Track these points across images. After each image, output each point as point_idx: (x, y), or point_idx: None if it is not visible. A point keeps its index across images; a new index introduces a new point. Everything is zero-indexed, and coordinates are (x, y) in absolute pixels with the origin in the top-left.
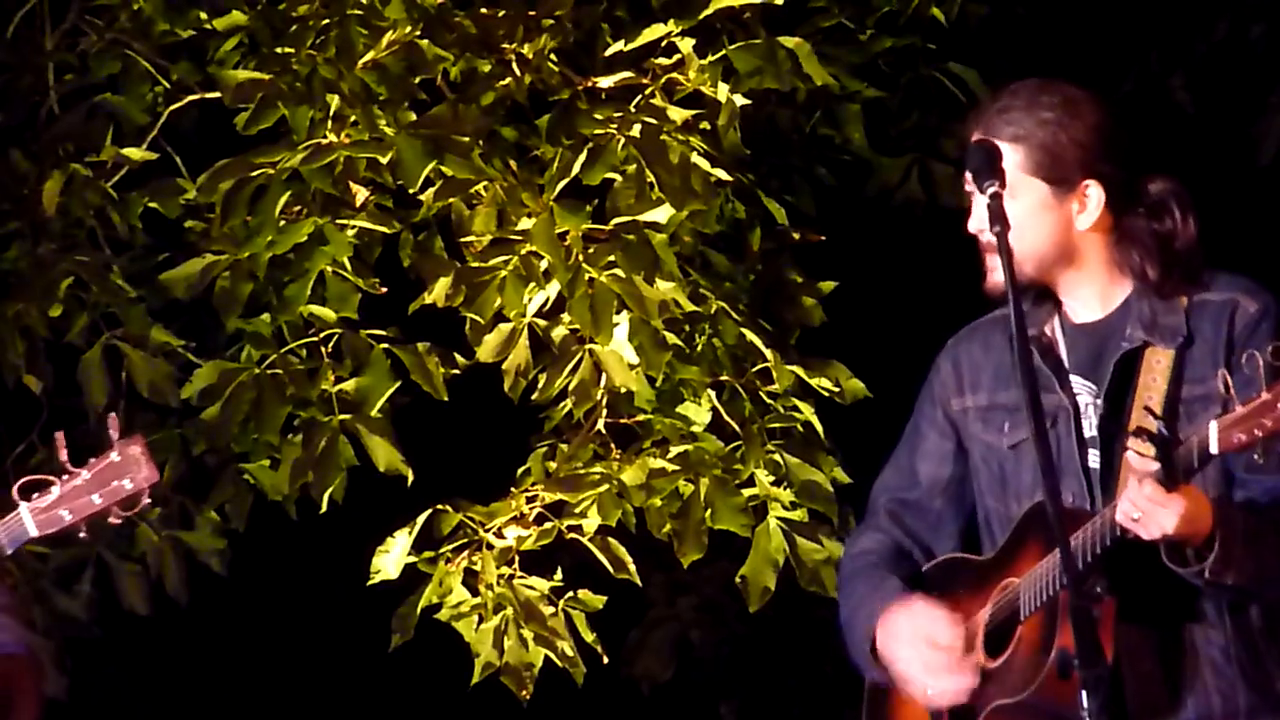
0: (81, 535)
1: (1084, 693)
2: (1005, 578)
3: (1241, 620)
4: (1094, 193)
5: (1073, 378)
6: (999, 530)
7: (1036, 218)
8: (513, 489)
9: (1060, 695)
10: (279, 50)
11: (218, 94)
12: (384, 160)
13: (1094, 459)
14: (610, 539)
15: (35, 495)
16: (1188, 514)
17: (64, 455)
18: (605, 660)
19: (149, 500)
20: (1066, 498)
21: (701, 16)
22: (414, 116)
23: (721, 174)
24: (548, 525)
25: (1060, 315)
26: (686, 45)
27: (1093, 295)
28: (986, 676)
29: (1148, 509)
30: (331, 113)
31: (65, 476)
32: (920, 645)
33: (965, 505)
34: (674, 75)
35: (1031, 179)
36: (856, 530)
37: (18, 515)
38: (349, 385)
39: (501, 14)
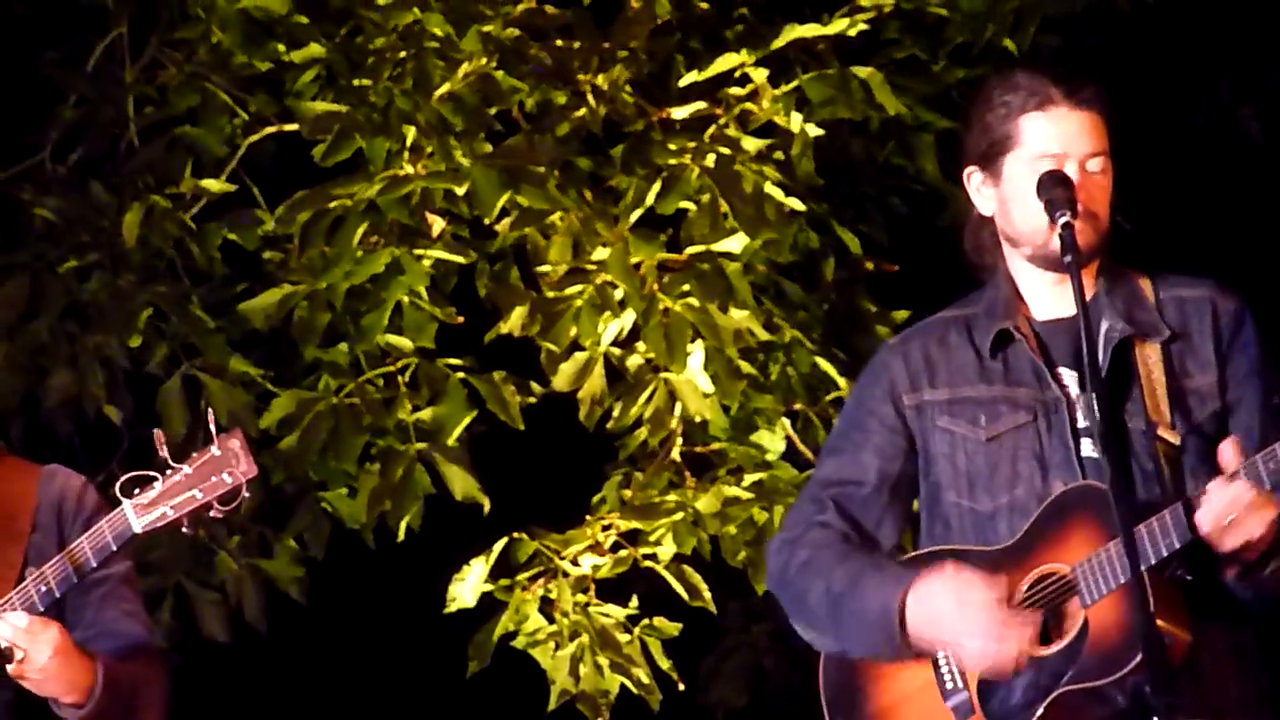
0: (184, 530)
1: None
2: (1035, 565)
3: (1238, 617)
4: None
5: (1060, 370)
6: (963, 524)
7: (1109, 195)
8: (588, 517)
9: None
10: (356, 82)
11: (295, 126)
12: (460, 191)
13: (1088, 449)
14: (685, 566)
15: (137, 492)
16: (1274, 521)
17: (164, 452)
18: (681, 687)
19: (248, 494)
20: (1056, 487)
21: (775, 47)
22: (490, 147)
23: (795, 203)
24: (623, 553)
25: (1024, 311)
26: (760, 75)
27: (1063, 287)
28: (1037, 663)
29: (1243, 515)
30: (408, 144)
31: (167, 472)
32: (967, 609)
33: (908, 502)
34: (748, 105)
35: (1111, 155)
36: (794, 518)
37: (121, 512)
38: (426, 414)
39: (576, 45)
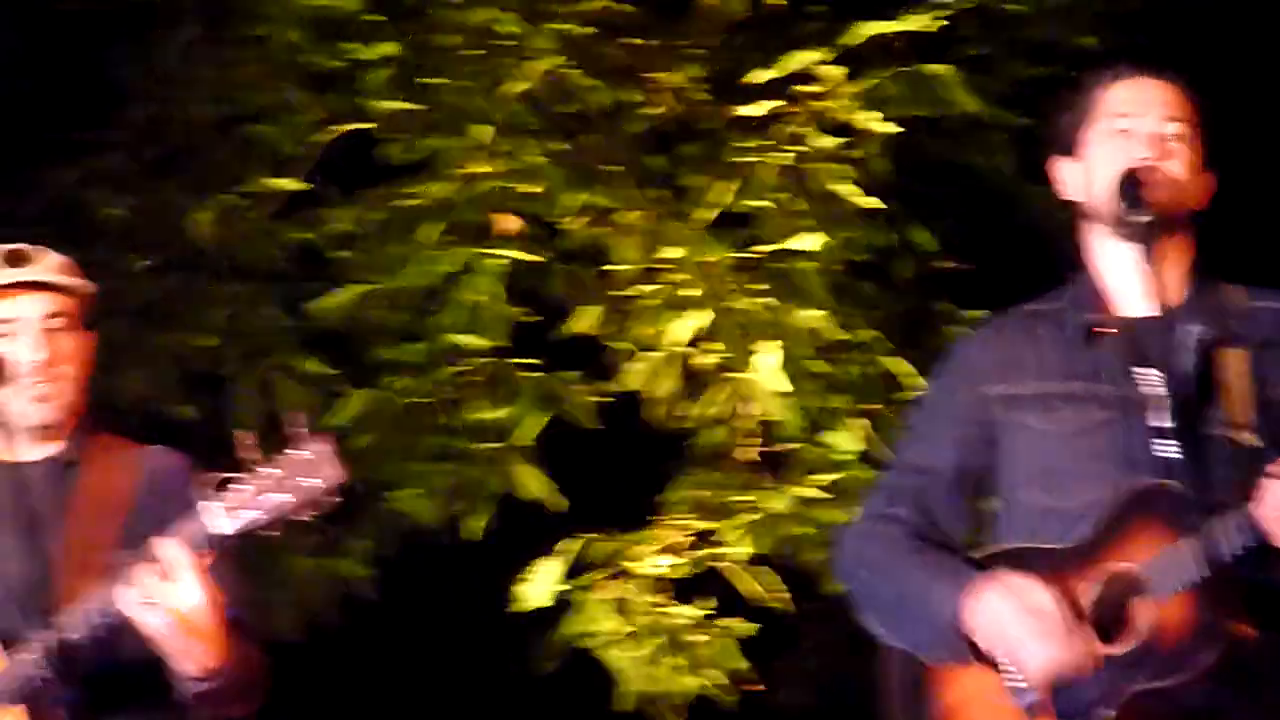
0: (273, 534)
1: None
2: (1105, 563)
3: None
4: (1211, 181)
5: (1144, 369)
6: (1044, 521)
7: (1194, 175)
8: (661, 517)
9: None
10: (429, 81)
11: (368, 124)
12: (533, 190)
13: (1169, 450)
14: (759, 567)
15: (225, 493)
16: None
17: (254, 454)
18: (756, 688)
19: (338, 499)
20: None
21: (849, 44)
22: (563, 146)
23: (870, 202)
24: (697, 553)
25: (1110, 307)
26: (834, 73)
27: (1150, 283)
28: (1107, 663)
29: None
30: (481, 143)
31: (258, 473)
32: (1028, 616)
33: (983, 495)
34: (821, 103)
35: (1197, 138)
36: (867, 508)
37: (209, 512)
38: (498, 414)
39: (649, 43)
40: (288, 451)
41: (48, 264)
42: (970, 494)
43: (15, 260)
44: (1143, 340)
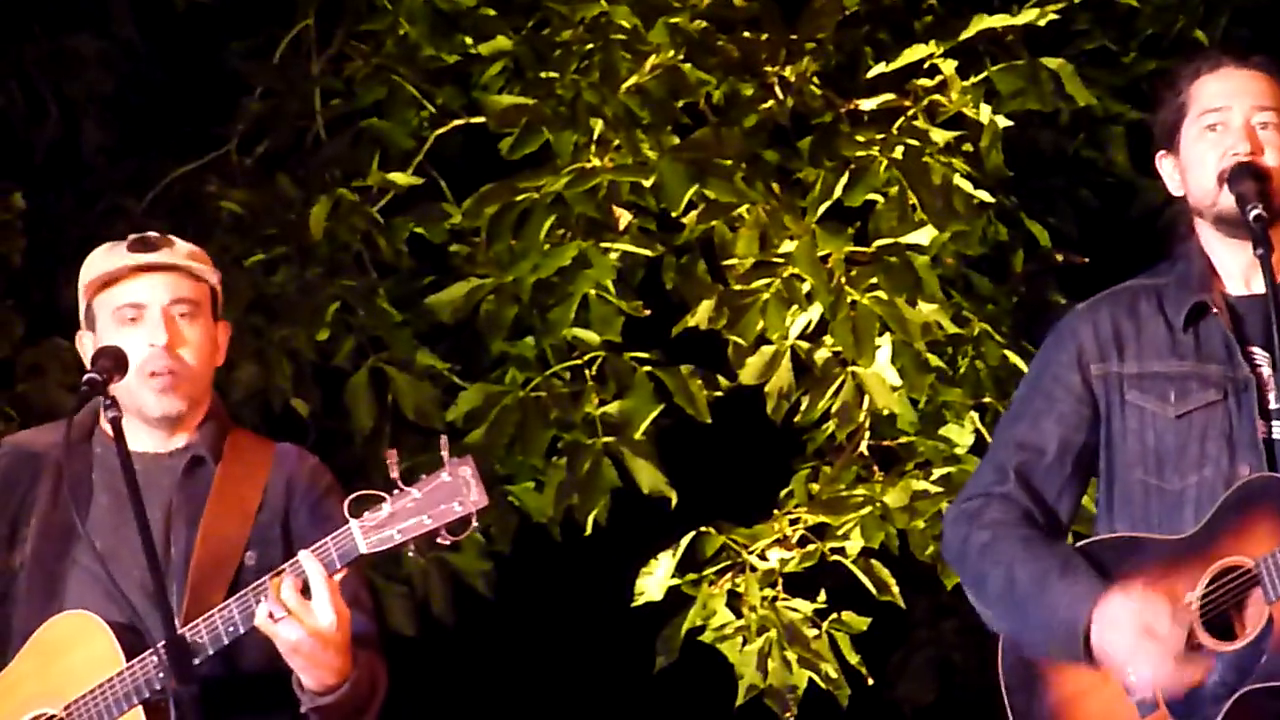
0: (411, 554)
1: None
2: (1217, 556)
3: None
4: None
5: (1252, 349)
6: (1148, 502)
7: None
8: (775, 511)
9: None
10: (543, 75)
11: (482, 119)
12: (647, 184)
13: (1277, 431)
14: (873, 561)
15: (366, 512)
16: None
17: (395, 473)
18: (869, 682)
19: (477, 524)
20: (1243, 470)
21: (963, 38)
22: (677, 140)
23: (984, 196)
24: (811, 547)
25: (1218, 285)
26: (948, 67)
27: (1255, 265)
28: (1220, 659)
29: None
30: (595, 137)
31: (396, 494)
32: (1144, 637)
33: (1088, 475)
34: (936, 97)
35: None
36: (974, 484)
37: (348, 531)
38: (613, 408)
39: (764, 37)
40: (432, 475)
41: (175, 250)
42: (1076, 472)
43: (142, 245)
44: (1249, 320)
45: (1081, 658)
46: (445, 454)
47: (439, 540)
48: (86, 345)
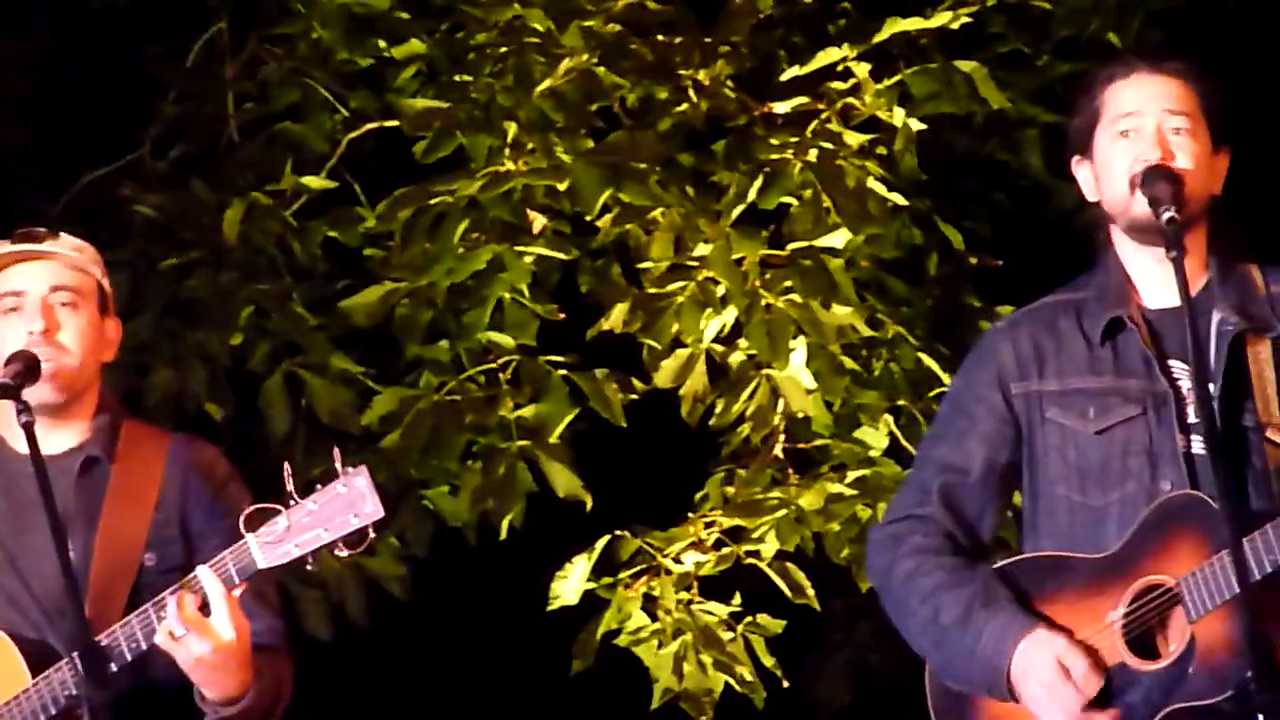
0: (309, 567)
1: (1260, 716)
2: (1139, 575)
3: None
4: (1224, 161)
5: (1171, 362)
6: (1072, 519)
7: (1205, 165)
8: (691, 514)
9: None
10: (457, 78)
11: (396, 122)
12: (561, 187)
13: (1198, 445)
14: (789, 564)
15: (262, 527)
16: None
17: (290, 486)
18: (785, 685)
19: (373, 535)
20: (1164, 485)
21: (877, 41)
22: (591, 143)
23: (898, 199)
24: (726, 550)
25: (1135, 298)
26: (862, 70)
27: (1173, 275)
28: (1143, 678)
29: None
30: (509, 140)
31: (292, 507)
32: (1059, 685)
33: (1010, 493)
34: (850, 100)
35: (1203, 127)
36: (897, 506)
37: (245, 546)
38: (528, 412)
39: (678, 40)
40: (327, 486)
41: (59, 242)
42: (999, 491)
43: (25, 237)
44: (1167, 334)
45: (1006, 696)
46: (339, 465)
47: (336, 553)
48: None
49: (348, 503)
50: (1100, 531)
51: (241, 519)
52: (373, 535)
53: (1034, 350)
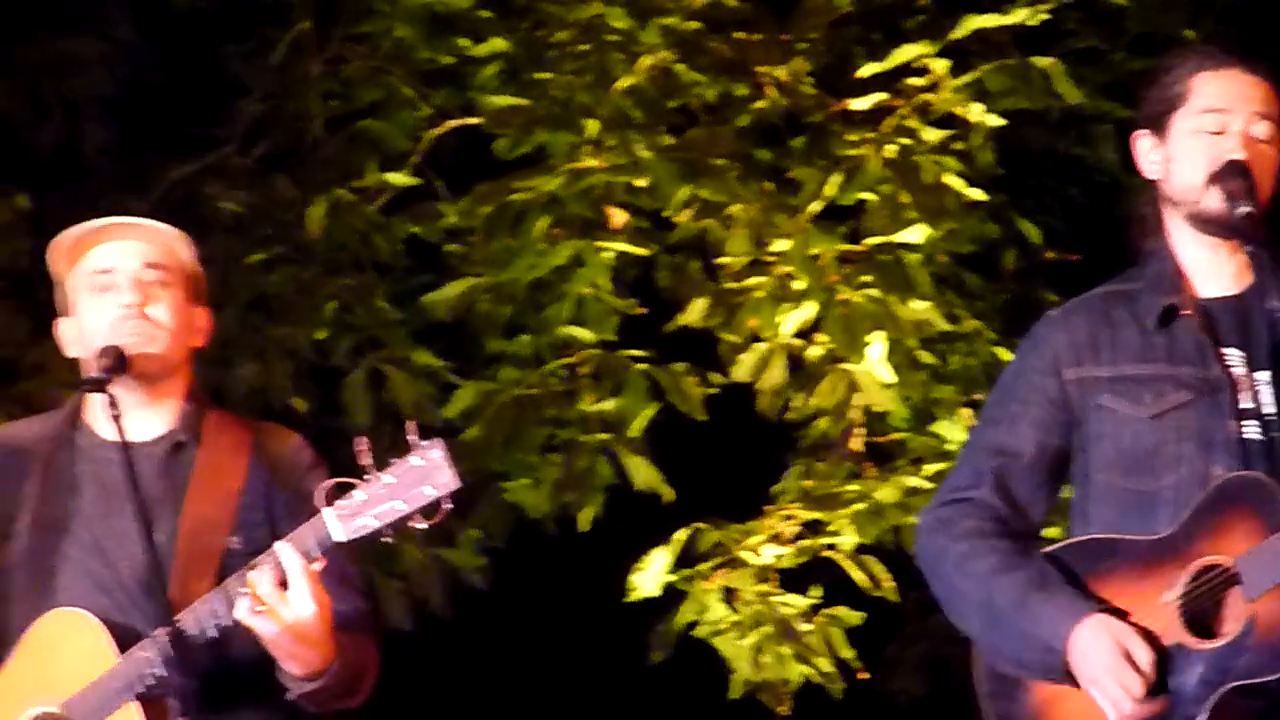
0: (386, 539)
1: None
2: (1195, 556)
3: None
4: None
5: (1224, 349)
6: (1125, 505)
7: (1276, 166)
8: (769, 507)
9: None
10: (538, 76)
11: (478, 119)
12: (640, 184)
13: (1252, 431)
14: (866, 556)
15: (339, 500)
16: None
17: (367, 460)
18: (863, 676)
19: (450, 506)
20: (1216, 470)
21: (955, 37)
22: (670, 140)
23: (975, 194)
24: (804, 543)
25: (1188, 287)
26: (940, 66)
27: (1226, 264)
28: (1200, 658)
29: None
30: (589, 137)
31: (368, 480)
32: (1120, 667)
33: (1061, 479)
34: (927, 96)
35: (1278, 130)
36: (949, 487)
37: (322, 520)
38: (607, 405)
39: (756, 37)
40: (402, 460)
41: (148, 222)
42: (1050, 476)
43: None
44: (1221, 321)
45: (1061, 678)
46: (414, 438)
47: (413, 525)
48: (66, 331)
49: (423, 474)
50: (1151, 517)
51: (320, 492)
52: (449, 506)
53: (1088, 337)
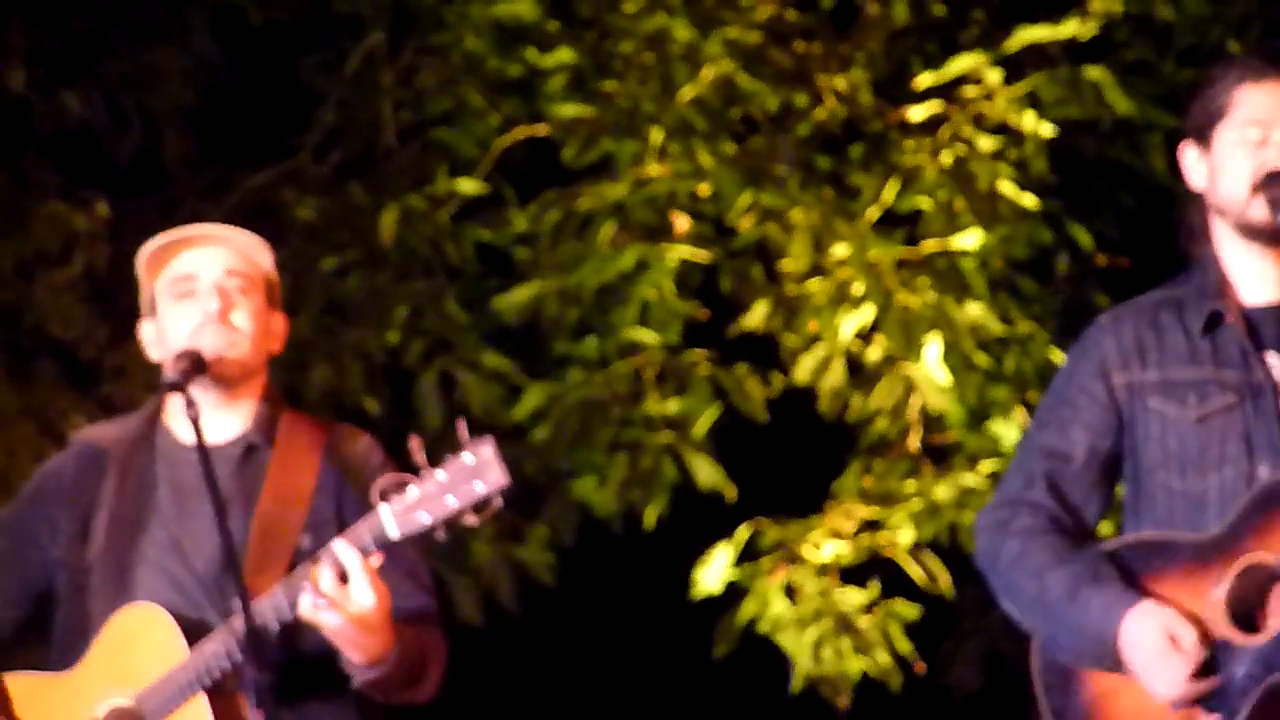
0: (438, 536)
1: None
2: (1241, 554)
3: None
4: None
5: (1268, 353)
6: (1171, 504)
7: None
8: (829, 504)
9: None
10: (604, 86)
11: (546, 128)
12: (704, 191)
13: None
14: (924, 553)
15: (394, 497)
16: None
17: (420, 458)
18: (920, 670)
19: (501, 503)
20: (1261, 470)
21: (1008, 49)
22: (733, 148)
23: (1029, 200)
24: (863, 540)
25: (1233, 294)
26: (994, 76)
27: (1271, 271)
28: (1246, 653)
29: None
30: (654, 145)
31: (422, 476)
32: (1168, 653)
33: (1113, 481)
34: (983, 105)
35: None
36: (1003, 491)
37: (377, 516)
38: (672, 406)
39: (816, 49)
40: (454, 456)
41: (228, 229)
42: (1102, 477)
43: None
44: (1264, 328)
45: (1114, 666)
46: (464, 436)
47: (466, 521)
48: (148, 334)
49: (474, 471)
50: (1199, 515)
51: (375, 490)
52: (499, 503)
53: (1136, 342)
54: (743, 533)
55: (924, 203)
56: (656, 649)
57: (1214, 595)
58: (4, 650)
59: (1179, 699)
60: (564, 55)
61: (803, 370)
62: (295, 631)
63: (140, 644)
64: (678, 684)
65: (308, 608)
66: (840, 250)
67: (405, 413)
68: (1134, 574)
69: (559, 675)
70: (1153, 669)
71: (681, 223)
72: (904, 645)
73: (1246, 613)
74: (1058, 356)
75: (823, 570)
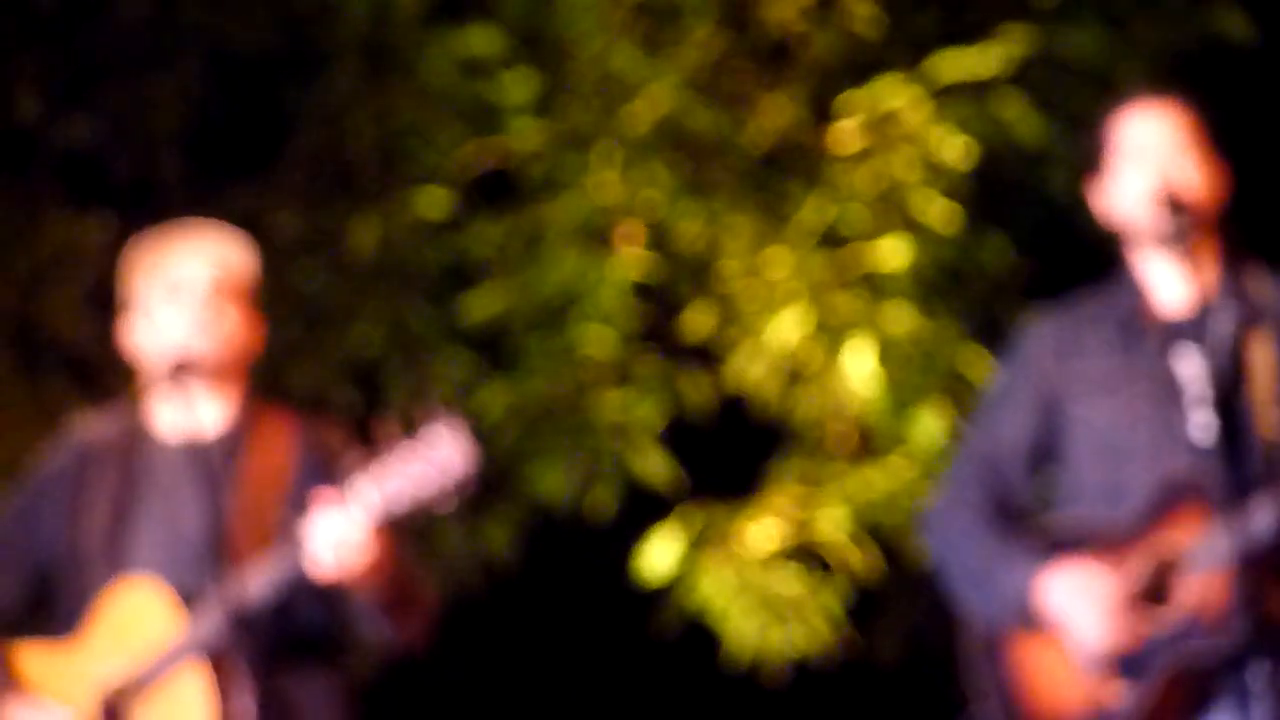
0: (412, 509)
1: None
2: (1148, 542)
3: None
4: (1226, 173)
5: (1180, 352)
6: (1096, 494)
7: (1209, 180)
8: (767, 495)
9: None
10: (558, 107)
11: (512, 161)
12: (649, 197)
13: (1203, 432)
14: (853, 536)
15: (372, 464)
16: None
17: (393, 433)
18: (851, 647)
19: (474, 473)
20: (1172, 464)
21: (934, 80)
22: (677, 168)
23: (953, 224)
24: (799, 526)
25: (1150, 295)
26: (918, 103)
27: (1185, 281)
28: (1154, 636)
29: None
30: (602, 161)
31: (398, 449)
32: (1091, 599)
33: (1037, 470)
34: (913, 128)
35: (1206, 145)
36: (944, 487)
37: (358, 480)
38: (625, 402)
39: (751, 76)
40: (424, 429)
41: (215, 231)
42: (1031, 469)
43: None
44: (1180, 333)
45: (1029, 620)
46: (434, 412)
47: (442, 488)
48: (129, 327)
49: (446, 441)
50: (1117, 504)
51: (349, 459)
52: (472, 473)
53: (1062, 341)
54: (679, 518)
55: (858, 217)
56: (600, 635)
57: (1128, 569)
58: (9, 631)
59: (1106, 639)
60: (529, 88)
61: (739, 369)
62: (292, 602)
63: (137, 616)
64: (622, 666)
65: (302, 554)
66: (778, 260)
67: (377, 406)
68: (1052, 550)
69: (513, 656)
70: (1068, 621)
71: (627, 232)
72: (837, 626)
73: (1153, 598)
74: (981, 359)
75: (758, 555)
